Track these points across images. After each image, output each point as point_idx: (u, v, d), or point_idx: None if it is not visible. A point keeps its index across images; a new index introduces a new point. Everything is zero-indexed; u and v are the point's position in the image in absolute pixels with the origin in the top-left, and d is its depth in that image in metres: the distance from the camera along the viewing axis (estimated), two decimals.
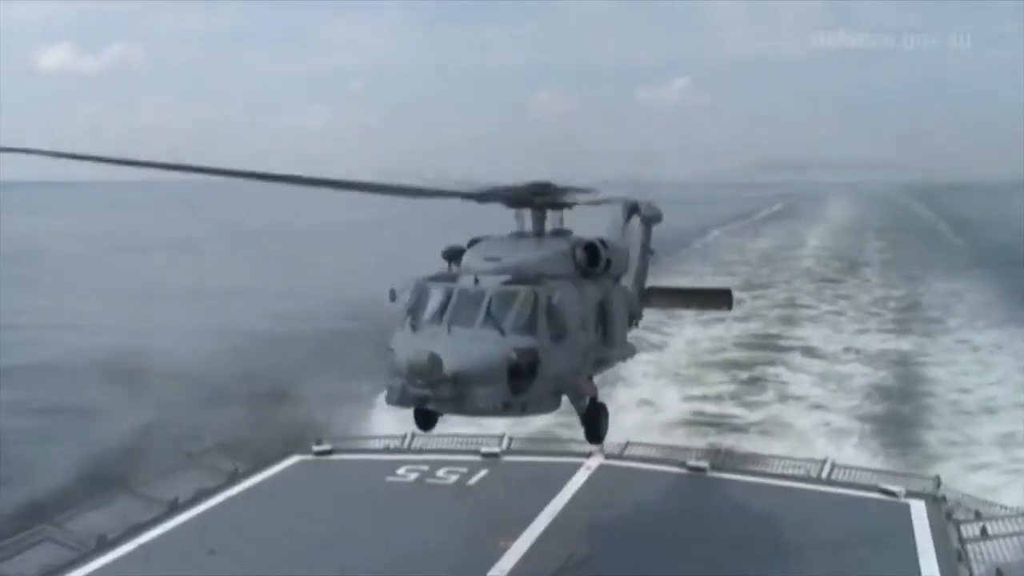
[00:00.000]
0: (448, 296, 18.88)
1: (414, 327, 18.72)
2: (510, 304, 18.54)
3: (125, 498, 28.31)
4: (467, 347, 17.67)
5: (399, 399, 18.11)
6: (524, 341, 18.13)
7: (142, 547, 25.10)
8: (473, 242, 21.53)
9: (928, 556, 24.25)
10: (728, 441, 47.38)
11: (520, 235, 22.02)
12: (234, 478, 30.22)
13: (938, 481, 29.90)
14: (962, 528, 26.15)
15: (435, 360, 16.99)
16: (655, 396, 60.86)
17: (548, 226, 22.10)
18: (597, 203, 23.11)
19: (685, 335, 76.90)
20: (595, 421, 22.24)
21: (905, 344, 77.28)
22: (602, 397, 23.09)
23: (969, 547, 24.91)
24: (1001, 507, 28.11)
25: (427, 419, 20.10)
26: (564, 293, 19.56)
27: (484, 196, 21.44)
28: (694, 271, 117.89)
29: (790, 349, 74.88)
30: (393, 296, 19.80)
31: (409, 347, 17.90)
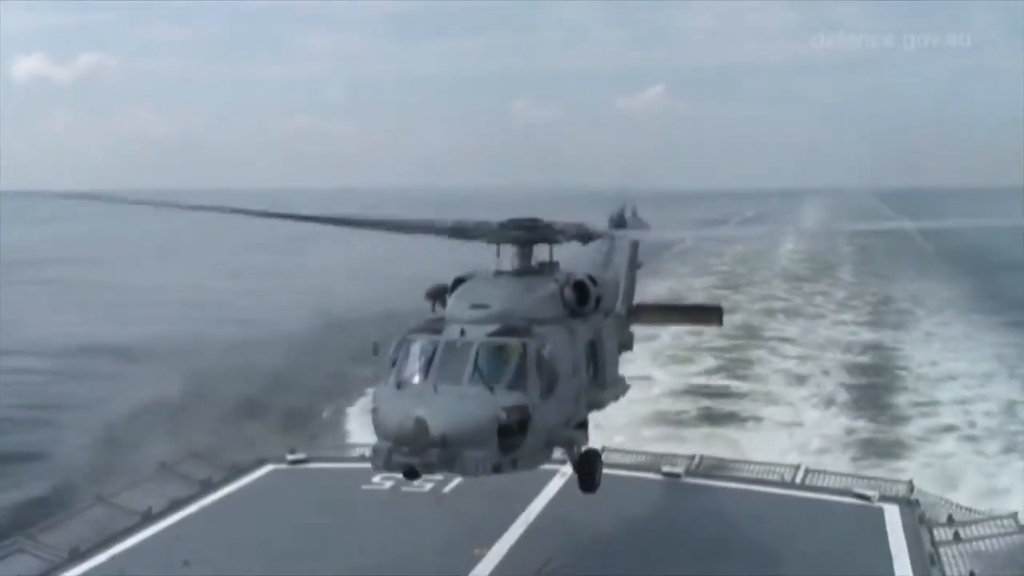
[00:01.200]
0: (433, 350, 18.24)
1: (399, 384, 18.09)
2: (498, 358, 17.91)
3: (98, 508, 28.04)
4: (454, 407, 17.03)
5: (384, 464, 17.53)
6: (514, 398, 17.53)
7: (115, 558, 24.91)
8: (457, 282, 20.99)
9: (902, 560, 24.40)
10: (707, 448, 47.83)
11: (506, 274, 21.30)
12: (208, 487, 30.03)
13: (911, 486, 30.08)
14: (935, 532, 26.33)
15: (421, 426, 16.51)
16: (652, 373, 64.62)
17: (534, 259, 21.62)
18: (584, 239, 22.51)
19: (672, 328, 75.24)
20: (589, 469, 21.47)
21: (877, 332, 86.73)
22: None
23: (942, 551, 25.07)
24: (974, 511, 28.33)
25: (413, 470, 18.88)
26: (554, 342, 19.00)
27: (468, 233, 21.06)
28: (674, 271, 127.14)
29: (771, 338, 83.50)
30: (376, 350, 19.28)
31: (394, 410, 17.35)
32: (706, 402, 62.91)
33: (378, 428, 17.73)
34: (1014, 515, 27.04)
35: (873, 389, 66.76)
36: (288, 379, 69.04)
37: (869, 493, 29.01)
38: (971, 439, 54.85)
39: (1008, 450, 52.27)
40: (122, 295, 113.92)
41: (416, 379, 17.98)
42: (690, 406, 61.58)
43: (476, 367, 17.65)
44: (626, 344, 25.62)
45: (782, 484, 30.77)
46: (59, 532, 26.20)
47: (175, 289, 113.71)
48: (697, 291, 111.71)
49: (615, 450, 31.76)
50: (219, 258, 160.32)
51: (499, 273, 21.38)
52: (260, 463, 32.51)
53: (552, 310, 20.18)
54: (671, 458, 33.13)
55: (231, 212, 21.68)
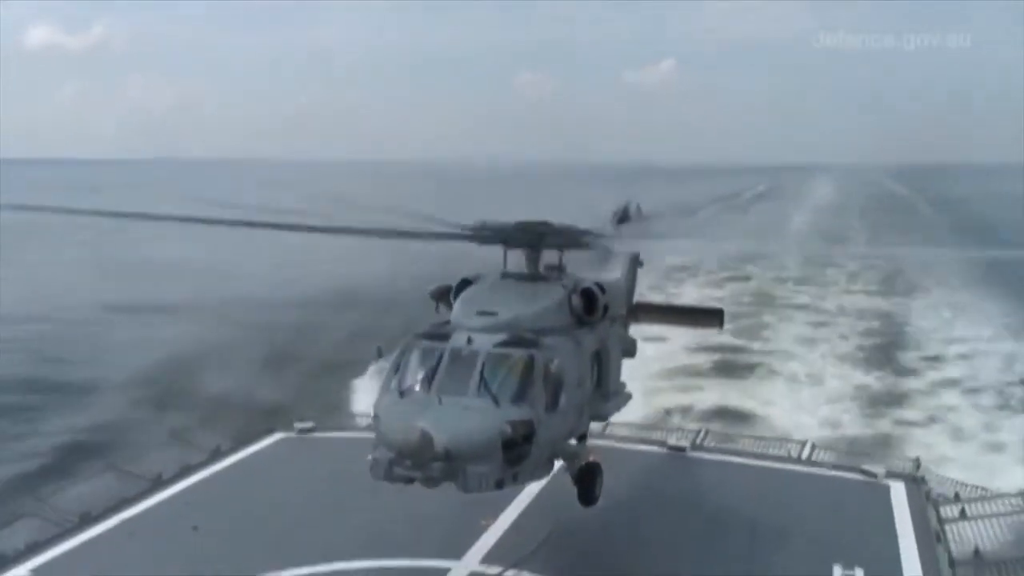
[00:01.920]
0: (439, 358, 17.85)
1: (402, 392, 17.76)
2: (505, 370, 17.57)
3: (109, 474, 28.30)
4: (459, 421, 16.66)
5: (384, 475, 17.13)
6: (519, 412, 17.21)
7: (126, 523, 25.12)
8: (463, 283, 20.79)
9: (907, 537, 24.45)
10: (724, 397, 48.60)
11: (513, 278, 20.98)
12: (217, 455, 30.24)
13: (918, 462, 30.13)
14: (941, 509, 26.37)
15: (426, 439, 16.10)
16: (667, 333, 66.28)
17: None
18: (596, 246, 22.16)
19: (689, 295, 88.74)
20: (589, 483, 21.20)
21: (887, 301, 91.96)
22: None
23: (948, 528, 25.13)
24: (980, 489, 28.37)
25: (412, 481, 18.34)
26: (561, 354, 18.69)
27: (477, 237, 20.68)
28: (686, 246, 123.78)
29: (785, 306, 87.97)
30: (379, 353, 19.14)
31: (397, 420, 16.96)
32: (720, 356, 66.52)
33: (379, 437, 17.37)
34: (1021, 493, 27.14)
35: (883, 349, 71.50)
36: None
37: (875, 470, 29.04)
38: (973, 391, 59.63)
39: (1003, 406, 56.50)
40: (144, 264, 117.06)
41: (420, 388, 17.66)
42: (704, 359, 65.14)
43: (482, 378, 17.35)
44: (629, 351, 25.10)
45: (788, 459, 30.83)
46: (70, 497, 26.45)
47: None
48: (700, 268, 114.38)
49: (620, 423, 31.74)
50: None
51: (506, 276, 21.09)
52: (269, 431, 32.70)
53: (559, 319, 19.92)
54: (677, 432, 33.25)
55: (214, 223, 21.35)
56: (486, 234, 20.70)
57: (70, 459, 46.78)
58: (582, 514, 21.60)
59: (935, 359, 68.27)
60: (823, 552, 23.10)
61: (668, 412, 55.45)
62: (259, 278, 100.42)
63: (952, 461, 44.65)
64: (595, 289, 20.83)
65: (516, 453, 17.09)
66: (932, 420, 55.33)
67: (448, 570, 21.49)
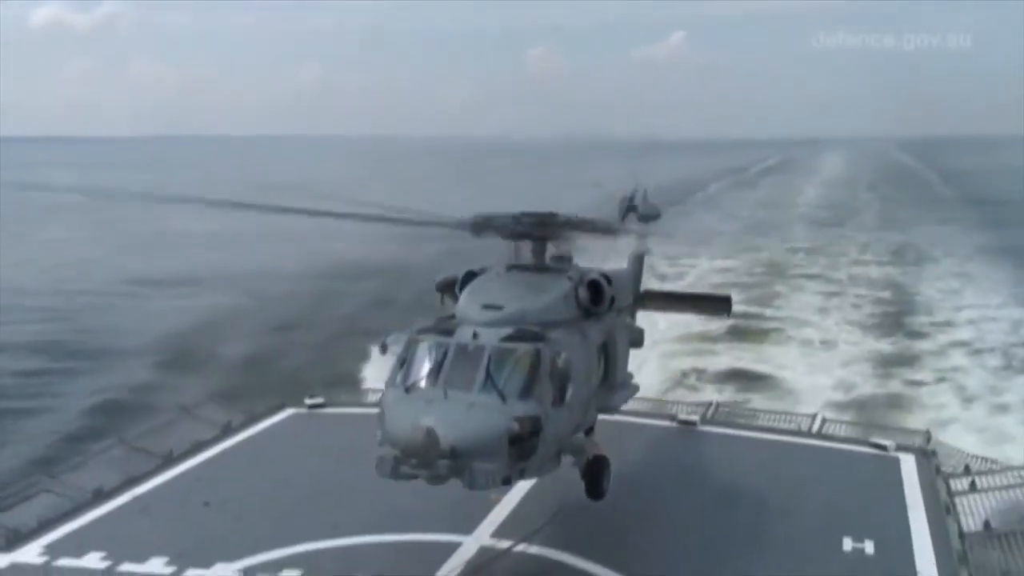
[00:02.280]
0: (444, 353, 17.61)
1: (407, 388, 17.50)
2: (511, 365, 17.32)
3: (120, 451, 28.45)
4: (465, 418, 16.44)
5: (391, 473, 16.80)
6: (526, 408, 16.97)
7: (138, 498, 25.27)
8: (469, 276, 20.62)
9: (917, 509, 24.49)
10: (728, 385, 48.77)
11: (519, 270, 20.81)
12: (228, 431, 30.37)
13: (928, 436, 30.13)
14: (951, 482, 26.37)
15: (431, 438, 15.87)
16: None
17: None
18: (602, 235, 22.03)
19: (702, 265, 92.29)
20: (596, 476, 20.86)
21: (898, 270, 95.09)
22: None
23: (958, 500, 25.13)
24: (990, 461, 28.35)
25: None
26: (568, 347, 18.42)
27: (483, 227, 20.47)
28: (700, 218, 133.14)
29: (797, 276, 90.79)
30: (384, 348, 18.78)
31: (403, 418, 16.75)
32: (734, 322, 63.96)
33: (385, 435, 17.13)
34: None
35: (894, 315, 75.14)
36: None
37: (885, 443, 29.06)
38: (978, 352, 62.56)
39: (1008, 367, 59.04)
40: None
41: (425, 383, 17.41)
42: (718, 325, 63.97)
43: (488, 374, 17.10)
44: (636, 341, 25.09)
45: (799, 433, 30.86)
46: (82, 473, 26.63)
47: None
48: (724, 235, 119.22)
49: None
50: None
51: (512, 268, 20.94)
52: (279, 407, 32.82)
53: (566, 311, 19.72)
54: (687, 406, 33.29)
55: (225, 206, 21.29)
56: (492, 225, 20.48)
57: (108, 416, 50.44)
58: None
59: (945, 324, 70.94)
60: (833, 525, 23.15)
61: (685, 375, 56.81)
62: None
63: (958, 421, 49.16)
64: (601, 280, 20.63)
65: (523, 449, 16.87)
66: (941, 380, 57.60)
67: (458, 545, 21.57)
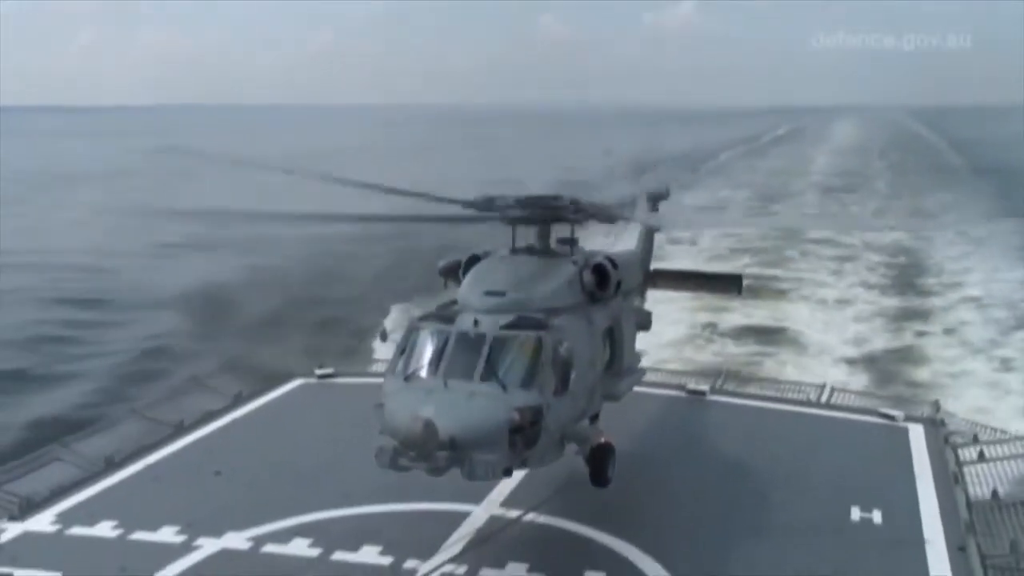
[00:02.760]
0: (444, 341, 17.34)
1: (407, 377, 17.25)
2: (513, 353, 17.03)
3: (132, 421, 28.66)
4: (465, 408, 16.19)
5: (390, 465, 16.60)
6: (527, 397, 16.65)
7: (149, 468, 25.45)
8: (472, 260, 20.35)
9: (925, 479, 24.54)
10: (731, 363, 48.87)
11: (522, 255, 20.38)
12: (239, 401, 30.53)
13: (937, 406, 30.18)
14: (959, 451, 26.41)
15: (430, 430, 15.53)
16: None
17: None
18: (611, 221, 21.68)
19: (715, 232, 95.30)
20: (600, 464, 20.26)
21: (909, 235, 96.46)
22: None
23: (966, 470, 25.18)
24: (999, 431, 28.39)
25: None
26: (572, 334, 18.09)
27: (486, 209, 20.09)
28: (711, 185, 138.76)
29: (811, 240, 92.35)
30: (384, 336, 18.66)
31: (402, 408, 16.50)
32: (749, 282, 68.03)
33: (384, 425, 16.94)
34: None
35: (905, 275, 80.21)
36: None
37: (894, 413, 29.09)
38: (983, 306, 67.08)
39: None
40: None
41: (425, 373, 17.18)
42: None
43: (489, 362, 16.81)
44: (644, 324, 24.70)
45: (807, 403, 30.91)
46: (94, 443, 26.78)
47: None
48: (738, 202, 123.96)
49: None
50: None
51: (515, 252, 20.56)
52: (289, 378, 32.97)
53: (570, 296, 19.37)
54: (696, 376, 33.35)
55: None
56: (495, 208, 20.08)
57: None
58: None
59: (955, 285, 75.00)
60: (841, 494, 23.22)
61: (706, 328, 59.34)
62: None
63: (969, 375, 52.47)
64: (607, 264, 20.27)
65: (524, 440, 16.57)
66: (950, 331, 62.02)
67: (468, 514, 21.68)
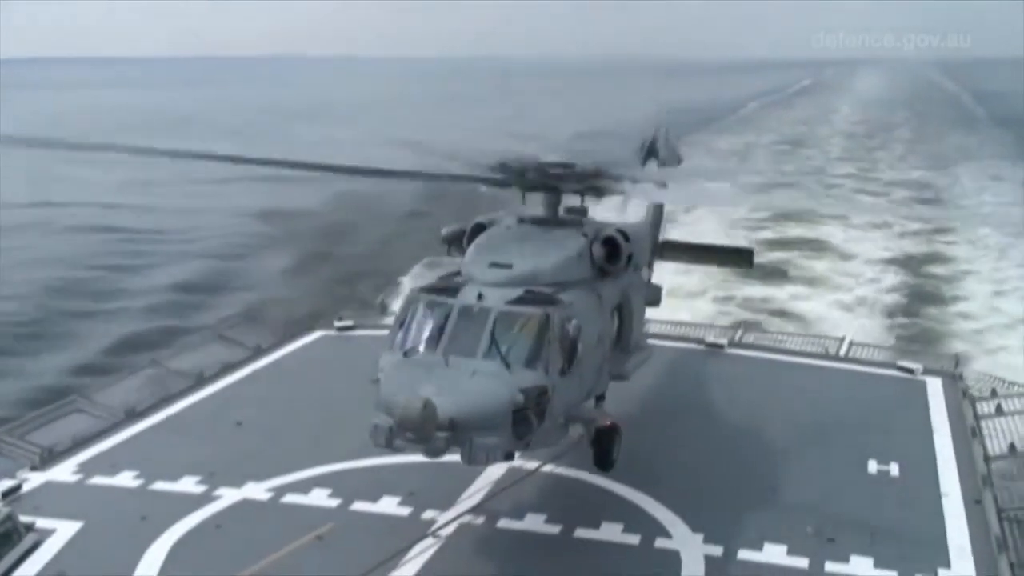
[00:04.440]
0: (446, 316, 16.45)
1: (406, 352, 16.41)
2: (518, 330, 16.17)
3: (152, 371, 28.88)
4: (466, 387, 15.33)
5: (385, 444, 15.71)
6: (532, 377, 15.86)
7: (170, 418, 25.69)
8: (477, 228, 19.69)
9: (943, 432, 24.55)
10: (749, 315, 49.04)
11: (530, 224, 19.56)
12: (258, 352, 30.71)
13: (956, 359, 30.10)
14: (977, 405, 26.37)
15: (428, 411, 14.52)
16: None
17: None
18: (619, 187, 20.39)
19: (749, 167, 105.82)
20: (606, 446, 19.42)
21: (933, 173, 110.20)
22: None
23: (984, 424, 25.14)
24: (1017, 385, 28.29)
25: None
26: (580, 311, 17.35)
27: (494, 180, 19.51)
28: (739, 131, 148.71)
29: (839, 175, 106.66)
30: (383, 308, 17.92)
31: (400, 386, 15.58)
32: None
33: (381, 403, 15.99)
34: None
35: (930, 204, 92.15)
36: None
37: (912, 366, 29.02)
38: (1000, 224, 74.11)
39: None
40: None
41: (425, 348, 16.32)
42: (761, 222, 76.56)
43: (492, 339, 15.93)
44: (653, 300, 24.08)
45: (826, 356, 30.86)
46: (115, 393, 27.08)
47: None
48: (763, 145, 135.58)
49: (657, 321, 31.75)
50: None
51: (523, 221, 19.79)
52: (309, 330, 33.12)
53: (579, 270, 18.56)
54: (714, 329, 33.33)
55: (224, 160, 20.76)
56: (505, 175, 19.41)
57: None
58: (618, 410, 21.71)
59: (974, 206, 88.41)
60: (858, 447, 23.25)
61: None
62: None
63: (978, 273, 65.42)
64: (618, 237, 19.37)
65: (527, 422, 15.76)
66: (970, 242, 73.03)
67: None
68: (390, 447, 15.78)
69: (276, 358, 30.66)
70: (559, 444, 18.06)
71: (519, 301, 16.69)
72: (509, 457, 16.24)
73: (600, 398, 19.78)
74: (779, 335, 34.49)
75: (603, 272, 19.26)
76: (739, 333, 32.53)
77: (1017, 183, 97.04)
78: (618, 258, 19.33)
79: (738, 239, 64.23)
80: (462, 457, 15.67)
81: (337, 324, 33.26)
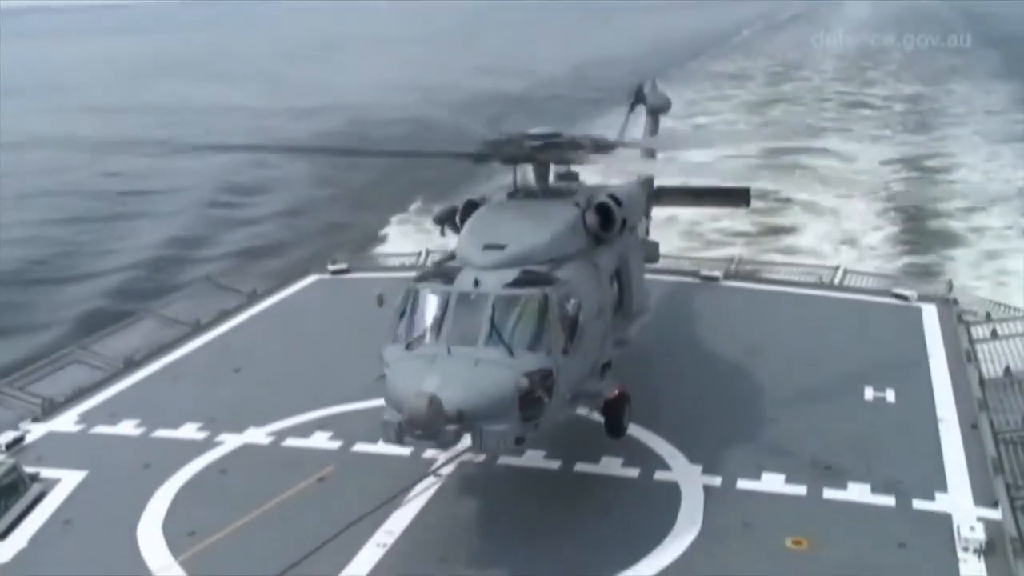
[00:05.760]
0: (445, 303, 16.36)
1: (408, 345, 16.34)
2: (517, 313, 16.10)
3: (149, 320, 28.95)
4: (471, 378, 15.29)
5: (396, 439, 15.65)
6: (536, 360, 15.78)
7: (168, 367, 25.78)
8: (469, 206, 19.50)
9: (938, 358, 24.67)
10: (744, 250, 49.13)
11: (521, 199, 19.49)
12: (254, 298, 30.74)
13: (950, 285, 30.18)
14: (972, 330, 26.47)
15: (436, 407, 14.57)
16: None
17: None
18: (608, 154, 20.30)
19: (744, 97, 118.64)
20: (616, 413, 19.19)
21: (928, 87, 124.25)
22: None
23: (979, 348, 25.25)
24: (1012, 309, 28.41)
25: None
26: (579, 284, 17.26)
27: (482, 156, 19.36)
28: (734, 57, 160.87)
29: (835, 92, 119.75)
30: (381, 301, 17.63)
31: (405, 381, 15.63)
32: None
33: (388, 398, 16.14)
34: None
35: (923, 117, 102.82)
36: None
37: (907, 293, 29.10)
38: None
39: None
40: None
41: (427, 339, 16.24)
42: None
43: (493, 325, 15.83)
44: (651, 256, 24.16)
45: (821, 285, 30.92)
46: (112, 343, 27.15)
47: None
48: (758, 70, 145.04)
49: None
50: None
51: (513, 196, 19.73)
52: (303, 273, 33.13)
53: (574, 241, 18.38)
54: (709, 262, 33.34)
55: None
56: (492, 151, 19.33)
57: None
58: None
59: (961, 123, 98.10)
60: (855, 375, 23.37)
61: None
62: None
63: (968, 165, 78.01)
64: (610, 203, 19.27)
65: (534, 405, 15.73)
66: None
67: None
68: (401, 443, 15.73)
69: (271, 303, 30.70)
70: (569, 417, 17.98)
71: (516, 283, 16.53)
72: (520, 442, 16.04)
73: (607, 365, 19.40)
74: (774, 266, 34.58)
75: (598, 239, 19.13)
76: (734, 265, 32.54)
77: (1003, 95, 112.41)
78: (612, 224, 19.20)
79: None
80: (473, 446, 15.75)
81: (331, 267, 33.26)
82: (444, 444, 15.52)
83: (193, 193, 74.81)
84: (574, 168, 20.55)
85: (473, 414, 15.05)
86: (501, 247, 17.20)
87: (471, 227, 18.31)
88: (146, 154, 77.23)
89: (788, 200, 62.89)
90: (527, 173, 19.89)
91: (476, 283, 16.47)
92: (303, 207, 71.08)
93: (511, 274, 16.68)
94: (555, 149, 19.27)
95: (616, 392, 18.89)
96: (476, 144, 19.29)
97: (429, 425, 14.64)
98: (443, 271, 17.49)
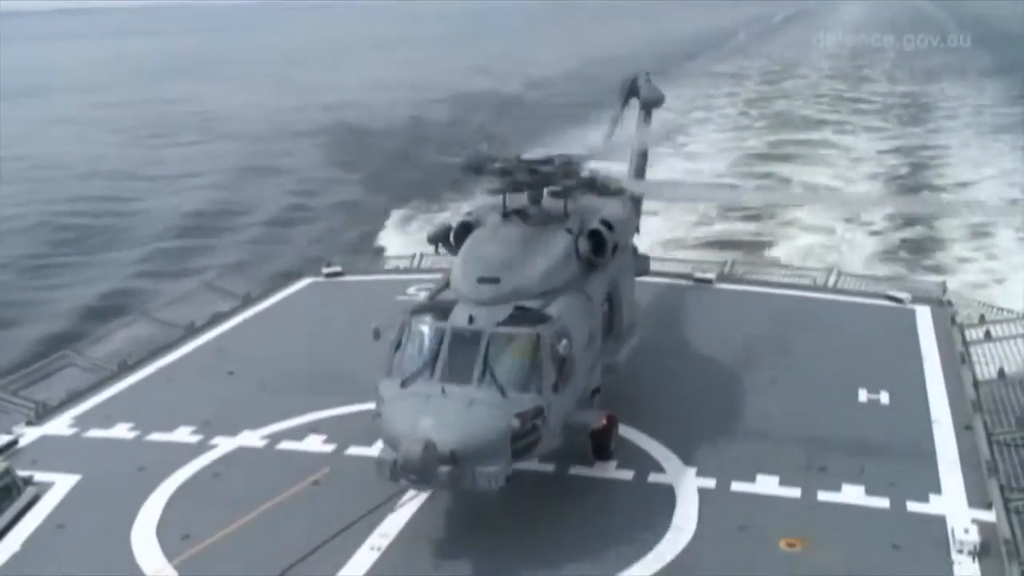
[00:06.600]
0: (440, 339, 16.66)
1: (403, 382, 16.57)
2: (510, 352, 16.42)
3: (143, 323, 28.88)
4: (464, 419, 15.58)
5: (390, 478, 15.87)
6: (528, 400, 16.10)
7: (162, 370, 25.71)
8: (463, 228, 19.71)
9: (932, 360, 24.69)
10: (738, 250, 49.33)
11: (514, 224, 19.48)
12: (248, 301, 30.69)
13: (944, 287, 30.20)
14: (966, 332, 26.52)
15: (430, 451, 14.82)
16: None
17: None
18: (606, 188, 20.55)
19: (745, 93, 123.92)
20: (604, 439, 19.35)
21: (920, 86, 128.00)
22: None
23: (973, 350, 25.30)
24: (1005, 311, 28.46)
25: None
26: (571, 318, 17.54)
27: (475, 170, 19.48)
28: (733, 60, 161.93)
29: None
30: (377, 335, 17.74)
31: (400, 421, 15.98)
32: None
33: (383, 436, 16.59)
34: None
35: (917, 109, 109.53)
36: None
37: (901, 295, 29.14)
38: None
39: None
40: None
41: (422, 375, 16.55)
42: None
43: (486, 364, 16.16)
44: (642, 270, 24.36)
45: (814, 288, 30.94)
46: (106, 346, 27.12)
47: None
48: (752, 71, 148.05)
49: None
50: None
51: (507, 219, 19.76)
52: (297, 277, 33.09)
53: (567, 271, 18.68)
54: (702, 264, 33.35)
55: None
56: (485, 173, 19.51)
57: None
58: None
59: (952, 117, 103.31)
60: (848, 377, 23.38)
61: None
62: None
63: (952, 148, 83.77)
64: (602, 229, 19.50)
65: (525, 444, 16.12)
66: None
67: None
68: (395, 482, 15.99)
69: (266, 306, 30.65)
70: (556, 446, 18.05)
71: (509, 321, 16.89)
72: (510, 480, 16.18)
73: (596, 391, 19.59)
74: (767, 268, 34.59)
75: (590, 264, 19.40)
76: (727, 267, 32.57)
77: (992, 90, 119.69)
78: (604, 250, 19.45)
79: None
80: (465, 486, 15.83)
81: (325, 271, 33.23)
82: (439, 486, 15.90)
83: None
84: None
85: (466, 456, 15.35)
86: (495, 280, 17.49)
87: (465, 256, 18.59)
88: None
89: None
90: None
91: (471, 320, 16.85)
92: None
93: (504, 311, 17.11)
94: (547, 176, 19.42)
95: (604, 421, 19.02)
96: (469, 159, 19.47)
97: (423, 470, 14.92)
98: (438, 304, 17.84)
